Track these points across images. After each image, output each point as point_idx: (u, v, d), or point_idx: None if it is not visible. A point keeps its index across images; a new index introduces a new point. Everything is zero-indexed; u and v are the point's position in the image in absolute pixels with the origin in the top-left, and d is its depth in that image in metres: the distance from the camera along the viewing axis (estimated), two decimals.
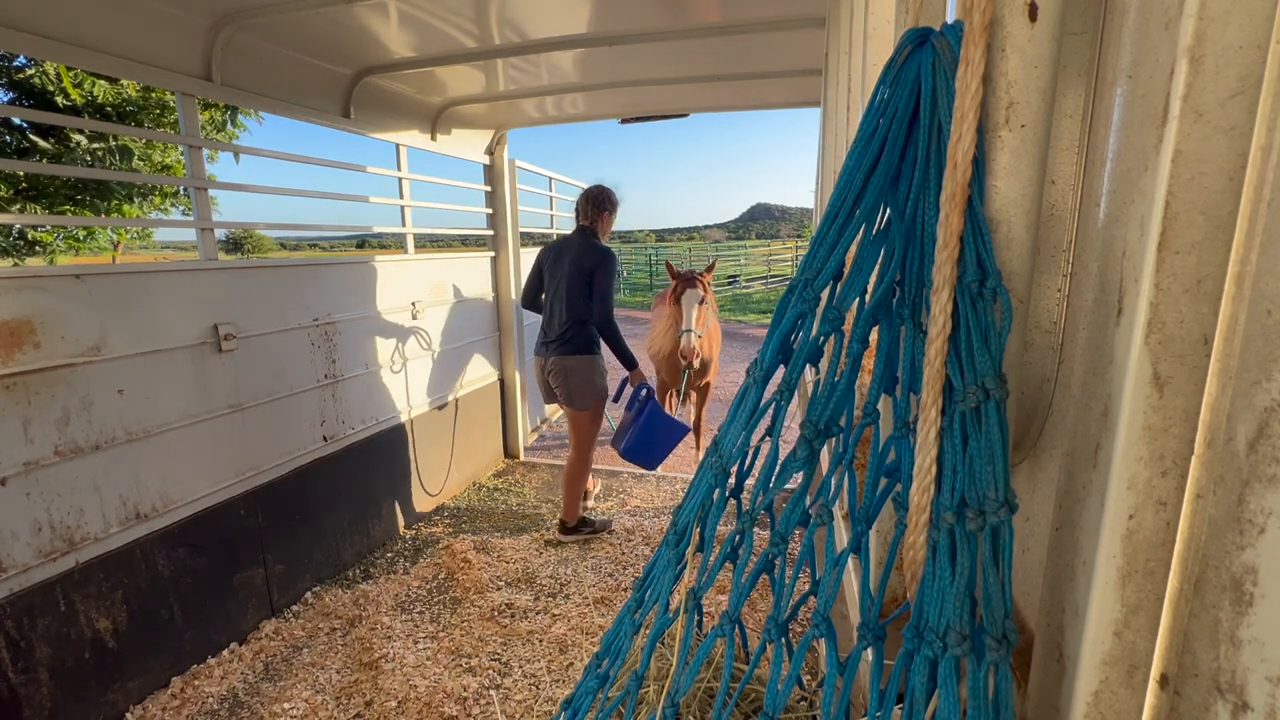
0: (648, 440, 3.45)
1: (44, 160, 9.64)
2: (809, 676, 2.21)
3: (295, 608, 3.08)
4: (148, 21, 2.47)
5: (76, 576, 2.20)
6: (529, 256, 5.38)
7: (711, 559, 0.74)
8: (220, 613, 2.73)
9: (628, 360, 3.49)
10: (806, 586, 0.80)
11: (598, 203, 3.52)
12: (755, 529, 0.71)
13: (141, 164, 10.64)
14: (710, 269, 4.61)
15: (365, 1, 2.52)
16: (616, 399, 3.65)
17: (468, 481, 4.64)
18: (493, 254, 4.96)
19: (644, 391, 3.49)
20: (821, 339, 0.67)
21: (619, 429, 3.65)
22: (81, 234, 11.44)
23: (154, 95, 10.16)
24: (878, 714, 0.60)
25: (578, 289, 3.34)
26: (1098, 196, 0.57)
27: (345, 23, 2.78)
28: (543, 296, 3.61)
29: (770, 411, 0.71)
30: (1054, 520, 0.61)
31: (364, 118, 3.66)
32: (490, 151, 4.90)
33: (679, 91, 4.11)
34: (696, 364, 4.30)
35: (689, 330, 4.26)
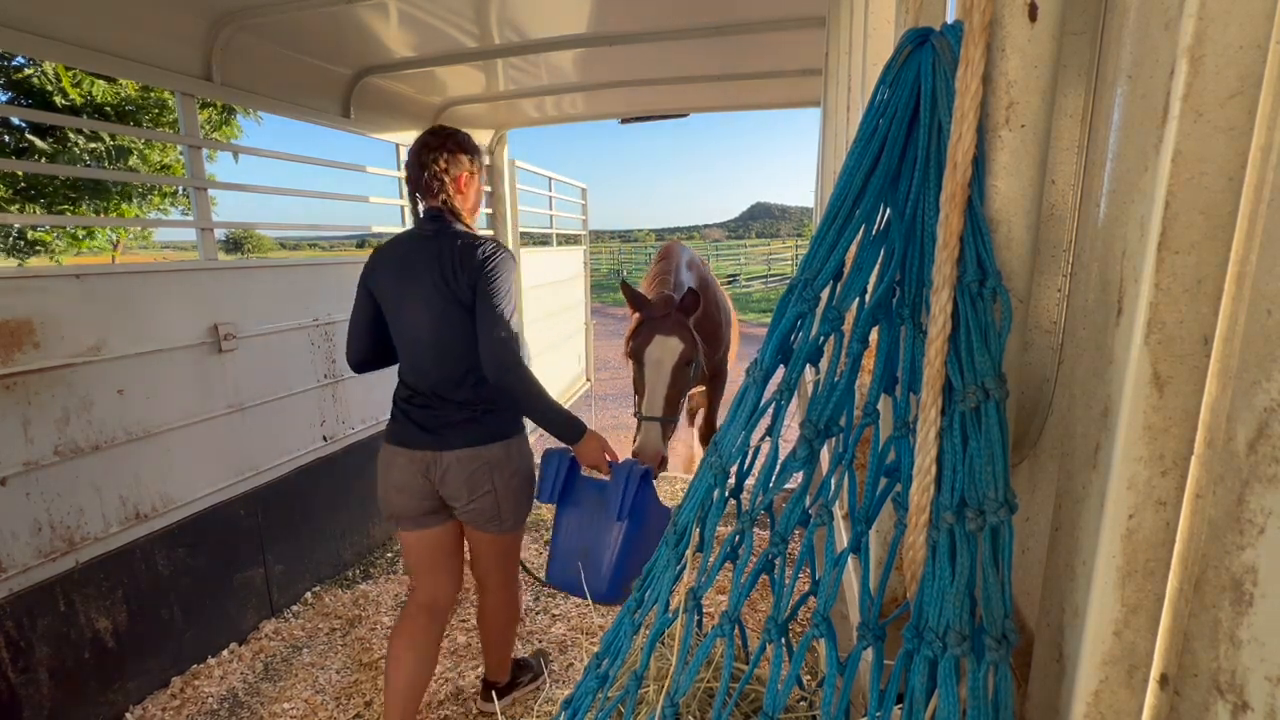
0: (638, 556, 1.88)
1: (41, 160, 9.64)
2: (809, 676, 2.21)
3: (295, 608, 3.08)
4: (147, 21, 2.47)
5: (76, 576, 2.20)
6: (529, 256, 5.34)
7: (711, 559, 0.74)
8: (220, 613, 2.73)
9: (565, 427, 1.88)
10: (806, 586, 0.80)
11: (445, 155, 1.86)
12: (755, 529, 0.71)
13: (140, 164, 10.63)
14: (696, 297, 2.67)
15: (365, 1, 2.52)
16: (548, 495, 2.01)
17: None
18: None
19: (631, 471, 1.89)
20: (821, 339, 0.67)
21: (558, 546, 2.01)
22: (80, 233, 11.45)
23: (153, 94, 10.16)
24: (877, 714, 0.60)
25: (455, 322, 1.79)
26: (1098, 196, 0.57)
27: (345, 22, 2.78)
28: (395, 339, 1.95)
29: (770, 411, 0.71)
30: (1054, 520, 0.61)
31: (364, 118, 3.66)
32: (490, 151, 4.90)
33: (679, 91, 4.11)
34: (657, 471, 2.55)
35: (651, 418, 2.49)
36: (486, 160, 4.90)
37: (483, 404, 1.87)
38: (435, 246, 1.82)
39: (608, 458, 1.96)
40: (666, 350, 2.56)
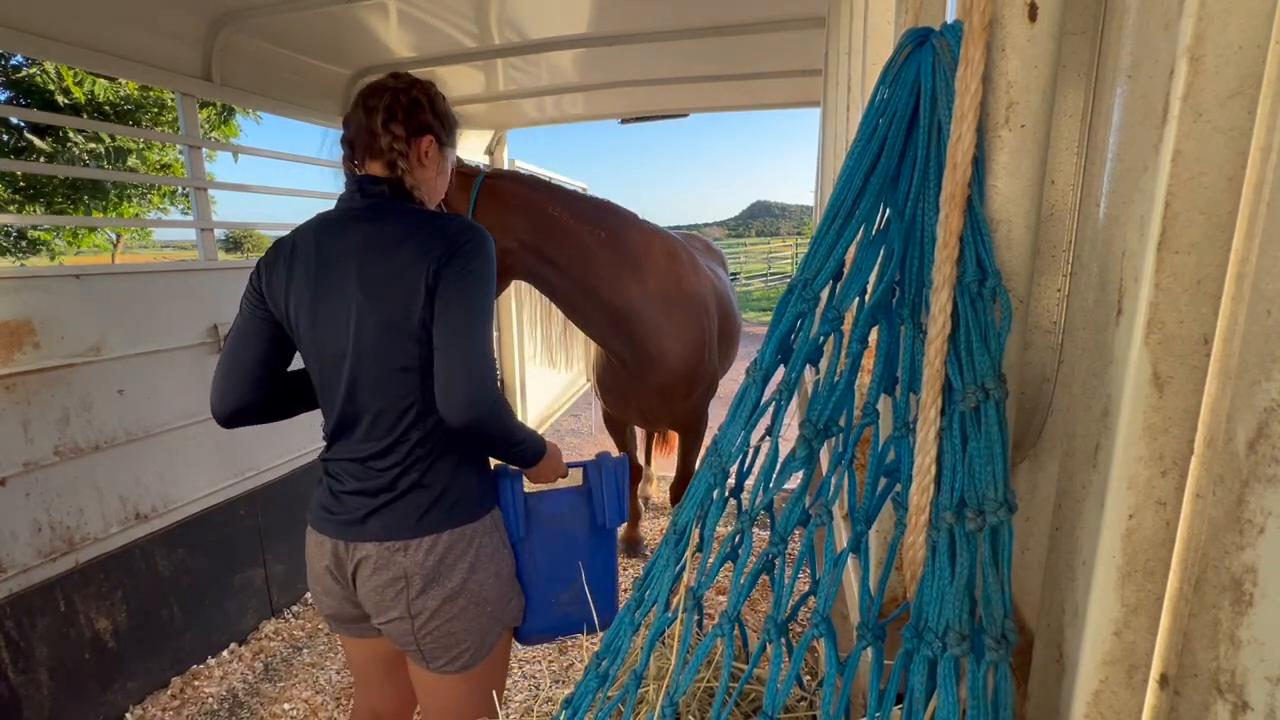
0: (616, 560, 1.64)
1: (41, 159, 9.65)
2: (809, 676, 2.21)
3: (295, 608, 3.08)
4: (147, 21, 2.47)
5: (76, 577, 2.20)
6: None
7: (711, 559, 0.74)
8: (220, 613, 2.73)
9: (536, 454, 1.32)
10: (806, 586, 0.80)
11: (410, 105, 1.27)
12: (755, 529, 0.71)
13: (139, 164, 10.64)
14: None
15: (365, 1, 2.52)
16: (519, 530, 1.43)
17: None
18: None
19: (620, 468, 1.54)
20: (821, 339, 0.67)
21: (537, 594, 1.49)
22: (81, 232, 11.47)
23: (152, 94, 10.17)
24: (877, 714, 0.60)
25: (393, 341, 1.19)
26: (1098, 196, 0.57)
27: (345, 22, 2.78)
28: (312, 376, 1.33)
29: (770, 411, 0.71)
30: (1054, 520, 0.61)
31: None
32: (490, 152, 4.90)
33: (679, 91, 4.11)
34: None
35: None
36: (486, 161, 4.89)
37: (415, 471, 1.24)
38: (371, 231, 1.19)
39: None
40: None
